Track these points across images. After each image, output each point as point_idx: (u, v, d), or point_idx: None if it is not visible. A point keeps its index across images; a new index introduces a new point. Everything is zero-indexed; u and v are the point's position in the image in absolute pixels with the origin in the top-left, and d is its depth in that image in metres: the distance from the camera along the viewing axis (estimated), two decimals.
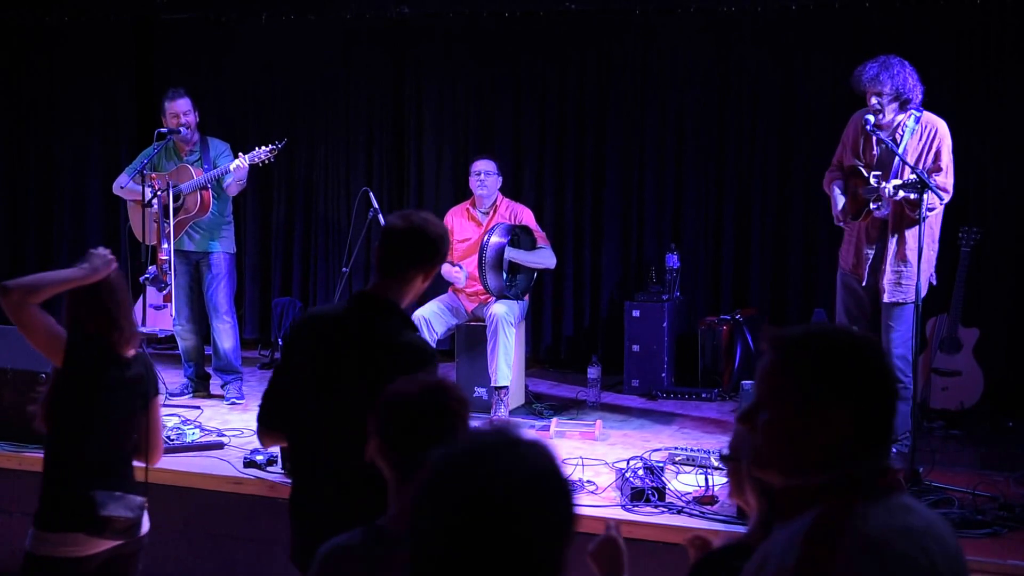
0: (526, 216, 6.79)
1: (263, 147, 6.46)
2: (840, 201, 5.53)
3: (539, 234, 6.76)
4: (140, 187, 6.46)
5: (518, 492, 1.54)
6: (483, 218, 6.77)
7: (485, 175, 6.71)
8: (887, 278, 5.42)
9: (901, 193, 5.22)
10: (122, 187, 6.76)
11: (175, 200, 6.48)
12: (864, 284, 5.51)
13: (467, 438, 1.63)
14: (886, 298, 5.44)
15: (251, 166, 6.47)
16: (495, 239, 6.44)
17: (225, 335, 6.70)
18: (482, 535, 1.52)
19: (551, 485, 1.58)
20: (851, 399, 1.77)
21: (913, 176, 5.17)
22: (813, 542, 1.72)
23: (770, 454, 1.83)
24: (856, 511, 1.74)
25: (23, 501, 5.36)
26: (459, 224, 6.84)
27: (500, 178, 6.82)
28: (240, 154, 6.45)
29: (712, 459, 5.06)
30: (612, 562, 2.38)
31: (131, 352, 3.56)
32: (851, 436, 1.77)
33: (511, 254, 6.52)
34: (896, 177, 5.32)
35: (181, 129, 6.58)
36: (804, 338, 1.84)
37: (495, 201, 6.78)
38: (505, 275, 6.53)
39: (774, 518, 1.86)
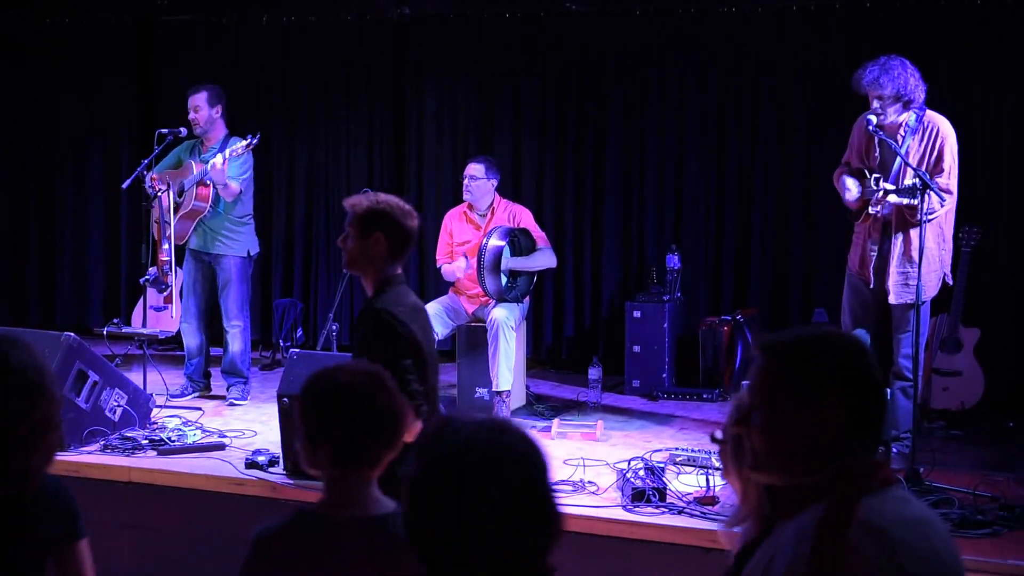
0: (525, 217, 6.79)
1: (240, 143, 6.41)
2: (854, 188, 5.41)
3: (538, 235, 6.75)
4: (144, 188, 6.48)
5: (503, 475, 1.67)
6: (481, 220, 6.76)
7: (470, 180, 6.67)
8: (893, 279, 5.40)
9: (893, 198, 5.21)
10: (126, 187, 6.77)
11: (179, 196, 6.49)
12: (871, 286, 5.49)
13: (447, 430, 1.73)
14: (893, 299, 5.42)
15: (233, 159, 6.38)
16: (493, 242, 6.43)
17: (233, 339, 6.69)
18: (475, 518, 1.66)
19: (530, 465, 1.71)
20: (841, 395, 1.85)
21: (908, 182, 5.16)
22: (826, 532, 1.79)
23: (768, 455, 1.90)
24: (862, 503, 1.82)
25: None
26: (457, 227, 6.83)
27: (495, 180, 6.77)
28: (225, 151, 6.41)
29: (713, 459, 5.05)
30: None
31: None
32: (844, 431, 1.85)
33: (510, 263, 6.51)
34: (896, 178, 5.32)
35: (182, 130, 6.59)
36: (793, 340, 1.93)
37: (492, 203, 6.76)
38: (505, 278, 6.53)
39: (774, 516, 1.92)
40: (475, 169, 6.69)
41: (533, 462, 1.72)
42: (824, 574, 1.78)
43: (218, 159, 6.33)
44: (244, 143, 6.39)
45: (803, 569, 1.80)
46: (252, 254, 6.78)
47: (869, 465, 1.87)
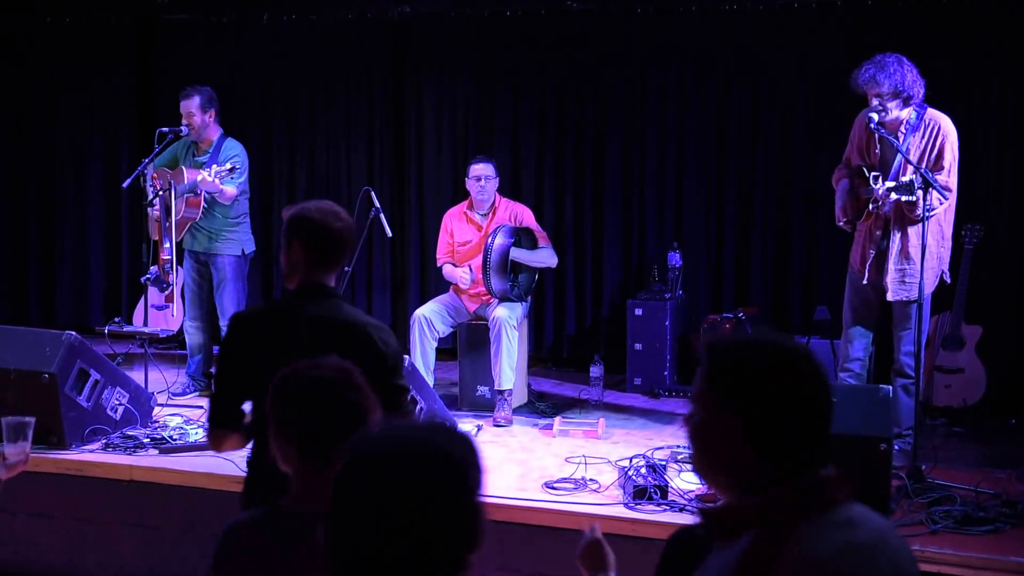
0: (526, 216, 6.78)
1: (225, 167, 6.42)
2: (840, 202, 5.53)
3: (540, 233, 6.75)
4: (145, 186, 6.48)
5: (403, 475, 1.62)
6: (482, 220, 6.75)
7: (486, 180, 6.67)
8: (891, 276, 5.40)
9: (893, 196, 5.21)
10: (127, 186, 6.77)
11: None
12: (869, 283, 5.49)
13: (388, 427, 1.73)
14: (890, 296, 5.43)
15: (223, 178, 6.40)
16: (500, 241, 6.42)
17: None
18: (397, 518, 1.60)
19: (433, 464, 1.65)
20: (744, 413, 1.72)
21: (906, 178, 5.16)
22: (749, 569, 1.66)
23: (697, 464, 1.82)
24: (797, 532, 1.66)
25: (26, 502, 5.37)
26: (458, 227, 6.82)
27: (498, 179, 6.80)
28: (212, 167, 6.39)
29: None
30: (598, 561, 2.39)
31: None
32: (748, 454, 1.72)
33: (514, 254, 6.50)
34: (897, 175, 5.32)
35: (183, 129, 6.59)
36: (722, 348, 1.81)
37: (493, 202, 6.76)
38: (508, 276, 6.53)
39: (715, 536, 1.79)
40: (486, 169, 6.68)
41: (462, 468, 1.66)
42: None
43: (207, 175, 6.33)
44: (229, 167, 6.40)
45: None
46: (247, 253, 6.80)
47: (806, 488, 1.70)
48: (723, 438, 1.74)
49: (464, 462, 1.68)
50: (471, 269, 6.61)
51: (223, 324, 6.70)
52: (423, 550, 1.61)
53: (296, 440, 2.40)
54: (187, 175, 6.51)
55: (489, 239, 6.44)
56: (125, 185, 6.77)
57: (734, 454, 1.73)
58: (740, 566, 1.66)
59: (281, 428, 2.43)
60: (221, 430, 3.26)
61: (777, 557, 1.64)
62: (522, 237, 6.61)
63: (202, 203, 6.56)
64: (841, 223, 5.57)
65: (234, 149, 6.67)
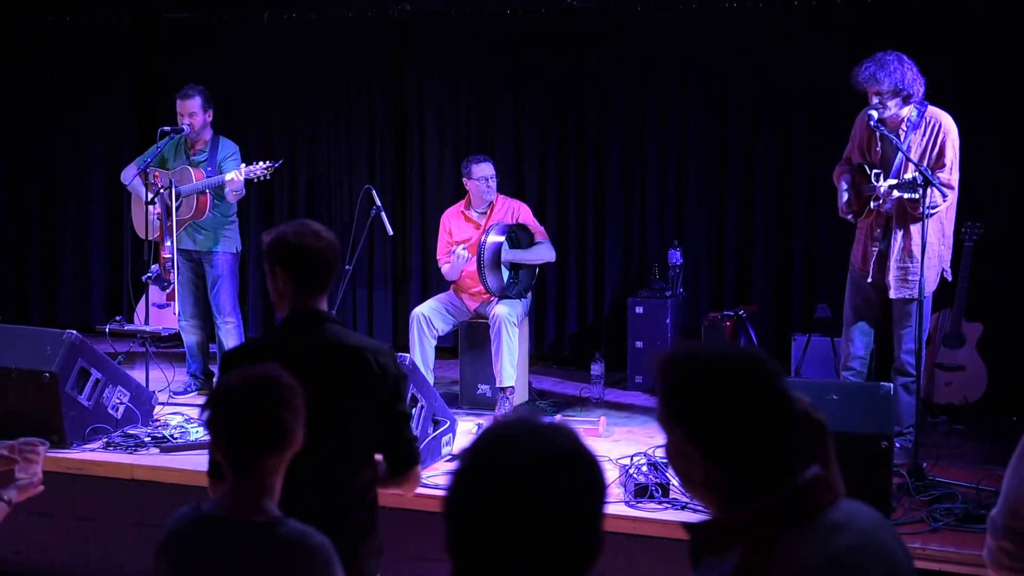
0: (524, 213, 6.78)
1: (261, 163, 6.46)
2: (844, 195, 5.53)
3: (537, 229, 6.75)
4: (143, 185, 6.47)
5: (547, 474, 1.50)
6: (480, 218, 6.75)
7: (491, 179, 6.68)
8: (892, 274, 5.40)
9: (896, 193, 5.21)
10: (127, 183, 6.77)
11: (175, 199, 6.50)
12: (871, 281, 5.49)
13: (491, 429, 1.61)
14: (892, 294, 5.42)
15: (247, 180, 6.46)
16: (491, 239, 6.43)
17: (228, 336, 6.71)
18: (517, 521, 1.49)
19: (578, 464, 1.55)
20: (697, 438, 1.68)
21: (909, 175, 5.16)
22: None
23: (681, 481, 1.79)
24: (781, 543, 1.64)
25: (27, 501, 5.37)
26: (456, 226, 6.82)
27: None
28: (242, 166, 6.45)
29: None
30: None
31: None
32: (714, 475, 1.69)
33: (509, 255, 6.51)
34: (898, 173, 5.31)
35: (184, 128, 6.59)
36: (670, 368, 1.74)
37: (491, 200, 6.77)
38: (507, 274, 6.53)
39: (701, 552, 1.77)
40: (490, 168, 6.68)
41: (587, 491, 1.55)
42: None
43: (236, 174, 6.40)
44: (264, 165, 6.47)
45: None
46: (238, 250, 6.87)
47: (786, 499, 1.67)
48: (689, 461, 1.71)
49: (597, 459, 1.60)
50: (465, 248, 6.57)
51: (219, 322, 6.72)
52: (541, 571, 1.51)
53: (218, 447, 2.48)
54: (193, 175, 6.53)
55: (482, 237, 6.44)
56: (127, 183, 6.77)
57: (703, 475, 1.70)
58: None
59: (208, 430, 2.50)
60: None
61: (767, 573, 1.62)
62: (518, 234, 6.61)
63: (209, 202, 6.57)
64: (847, 216, 5.55)
65: (231, 148, 6.71)
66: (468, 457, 1.56)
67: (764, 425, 1.68)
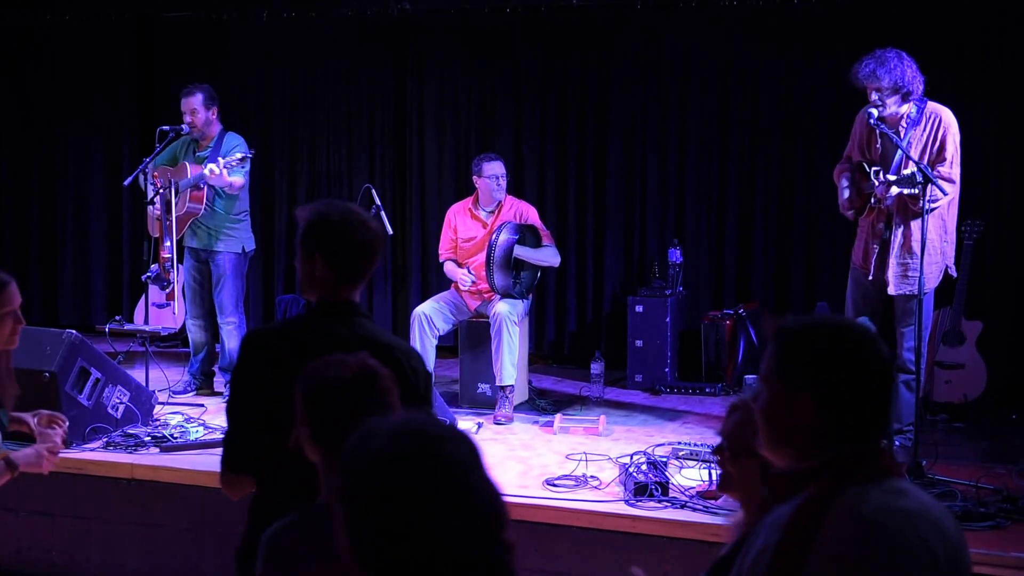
0: (532, 215, 6.77)
1: (234, 157, 6.42)
2: (845, 192, 5.52)
3: (544, 232, 6.75)
4: (151, 186, 6.48)
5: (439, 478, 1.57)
6: (487, 217, 6.74)
7: (502, 178, 6.67)
8: (892, 271, 5.39)
9: (895, 189, 5.21)
10: (126, 184, 6.76)
11: (175, 195, 6.49)
12: (872, 279, 5.49)
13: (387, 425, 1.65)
14: (892, 290, 5.41)
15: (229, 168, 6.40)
16: (504, 237, 6.41)
17: (229, 335, 6.70)
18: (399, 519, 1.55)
19: (467, 475, 1.61)
20: (812, 386, 1.86)
21: (908, 171, 5.15)
22: (797, 522, 1.79)
23: (764, 435, 1.94)
24: (847, 491, 1.79)
25: (28, 500, 5.38)
26: (462, 223, 6.81)
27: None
28: (220, 159, 6.39)
29: None
30: None
31: None
32: (818, 423, 1.86)
33: (519, 252, 6.50)
34: (898, 170, 5.31)
35: (184, 127, 6.58)
36: (794, 328, 1.94)
37: (500, 199, 6.76)
38: (511, 273, 6.53)
39: (772, 501, 1.92)
40: (501, 167, 6.67)
41: (467, 461, 1.62)
42: (787, 563, 1.77)
43: (214, 167, 6.32)
44: (239, 156, 6.40)
45: (766, 560, 1.79)
46: (248, 251, 6.78)
47: (861, 454, 1.85)
48: (794, 410, 1.87)
49: (471, 440, 1.66)
50: (470, 271, 6.60)
51: (221, 322, 6.70)
52: (458, 549, 1.57)
53: (327, 444, 2.36)
54: (190, 170, 6.51)
55: (493, 235, 6.44)
56: (126, 183, 6.77)
57: (803, 426, 1.86)
58: (791, 519, 1.79)
59: (314, 433, 2.40)
60: (238, 476, 2.85)
61: (826, 511, 1.77)
62: (527, 235, 6.61)
63: (206, 197, 6.54)
64: (848, 213, 5.54)
65: (236, 140, 6.64)
66: (351, 478, 1.62)
67: (874, 380, 1.88)
